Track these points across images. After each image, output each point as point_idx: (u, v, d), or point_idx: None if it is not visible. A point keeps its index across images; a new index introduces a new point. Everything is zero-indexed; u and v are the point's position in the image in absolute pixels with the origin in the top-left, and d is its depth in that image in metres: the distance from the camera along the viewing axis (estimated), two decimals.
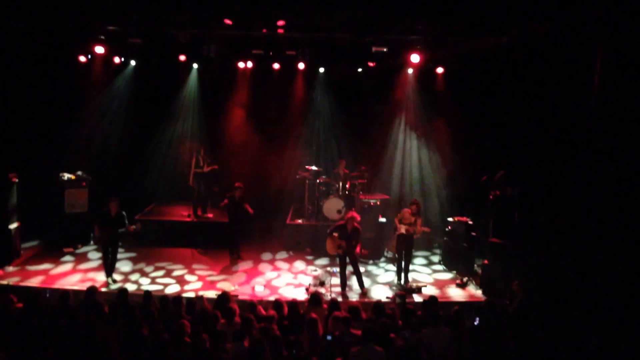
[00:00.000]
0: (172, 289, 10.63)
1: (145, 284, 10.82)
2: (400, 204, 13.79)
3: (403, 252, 11.24)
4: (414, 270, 12.01)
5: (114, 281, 10.80)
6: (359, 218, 10.92)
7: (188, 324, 6.81)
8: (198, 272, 11.63)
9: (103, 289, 10.18)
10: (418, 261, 12.80)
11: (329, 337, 6.72)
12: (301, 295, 10.09)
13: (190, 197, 14.12)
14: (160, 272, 11.56)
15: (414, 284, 10.94)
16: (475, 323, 7.26)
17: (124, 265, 11.84)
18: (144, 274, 11.46)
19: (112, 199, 10.74)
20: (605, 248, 9.00)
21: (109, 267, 10.83)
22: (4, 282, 10.43)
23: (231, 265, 12.12)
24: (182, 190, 14.69)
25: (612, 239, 8.98)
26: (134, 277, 11.26)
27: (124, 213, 10.85)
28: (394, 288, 10.90)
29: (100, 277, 10.93)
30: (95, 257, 12.29)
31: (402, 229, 11.07)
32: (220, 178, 14.60)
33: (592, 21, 9.48)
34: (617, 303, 8.60)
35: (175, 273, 11.56)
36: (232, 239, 12.55)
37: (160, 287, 10.67)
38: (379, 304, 8.02)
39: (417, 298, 10.29)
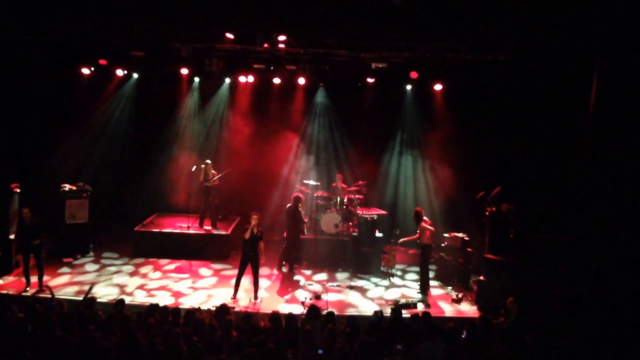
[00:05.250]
0: (169, 300, 10.64)
1: (142, 295, 10.85)
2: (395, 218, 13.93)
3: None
4: (404, 286, 12.14)
5: (47, 290, 10.18)
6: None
7: (183, 334, 6.86)
8: (196, 284, 11.68)
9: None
10: (410, 277, 12.84)
11: (320, 351, 6.75)
12: (298, 309, 10.14)
13: (189, 208, 14.16)
14: (158, 283, 11.60)
15: (403, 300, 11.00)
16: (463, 336, 7.32)
17: (121, 277, 11.90)
18: (142, 284, 11.48)
19: (24, 208, 10.83)
20: (601, 264, 9.07)
21: (28, 274, 10.72)
22: (4, 291, 10.47)
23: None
24: (183, 202, 14.73)
25: (608, 255, 9.05)
26: (131, 287, 11.27)
27: (39, 223, 10.87)
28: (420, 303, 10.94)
29: (101, 291, 10.94)
30: (93, 268, 12.38)
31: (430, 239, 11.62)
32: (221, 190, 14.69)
33: (589, 39, 9.65)
34: (613, 319, 8.65)
35: (174, 283, 11.59)
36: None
37: (156, 298, 10.66)
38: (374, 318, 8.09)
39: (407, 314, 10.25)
